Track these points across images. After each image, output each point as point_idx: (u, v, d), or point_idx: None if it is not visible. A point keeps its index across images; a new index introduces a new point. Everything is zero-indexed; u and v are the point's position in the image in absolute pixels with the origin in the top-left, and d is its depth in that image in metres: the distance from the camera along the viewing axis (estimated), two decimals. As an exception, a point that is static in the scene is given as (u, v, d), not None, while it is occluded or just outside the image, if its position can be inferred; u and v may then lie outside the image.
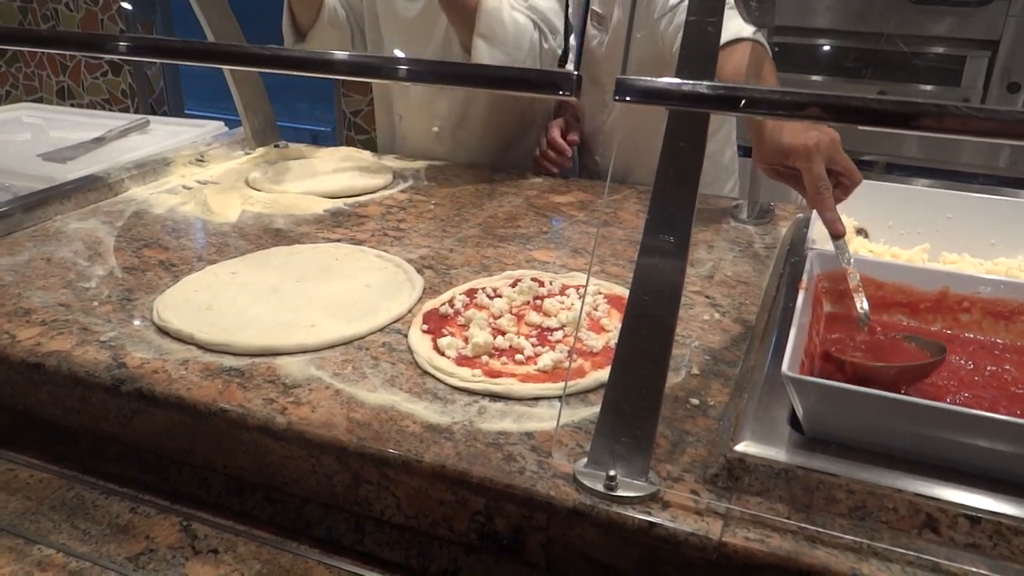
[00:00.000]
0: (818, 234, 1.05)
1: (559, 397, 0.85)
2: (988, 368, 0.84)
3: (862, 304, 0.90)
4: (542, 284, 1.09)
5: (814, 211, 1.02)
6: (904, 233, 1.18)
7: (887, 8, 2.30)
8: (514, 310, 1.03)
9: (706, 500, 0.70)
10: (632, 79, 0.69)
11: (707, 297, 1.09)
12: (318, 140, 3.58)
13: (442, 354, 0.92)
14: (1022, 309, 0.89)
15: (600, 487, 0.70)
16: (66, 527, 0.85)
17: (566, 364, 0.89)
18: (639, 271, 0.75)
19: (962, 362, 0.86)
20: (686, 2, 0.82)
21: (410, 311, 1.04)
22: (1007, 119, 0.60)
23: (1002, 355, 0.88)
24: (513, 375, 0.88)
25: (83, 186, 1.44)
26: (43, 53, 3.81)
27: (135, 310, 1.04)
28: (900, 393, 0.76)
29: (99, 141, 1.70)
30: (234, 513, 0.87)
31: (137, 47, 0.93)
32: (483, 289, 1.07)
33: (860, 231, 1.19)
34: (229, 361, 0.92)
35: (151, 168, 1.56)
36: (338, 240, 1.28)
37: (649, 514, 0.69)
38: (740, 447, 0.72)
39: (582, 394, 0.86)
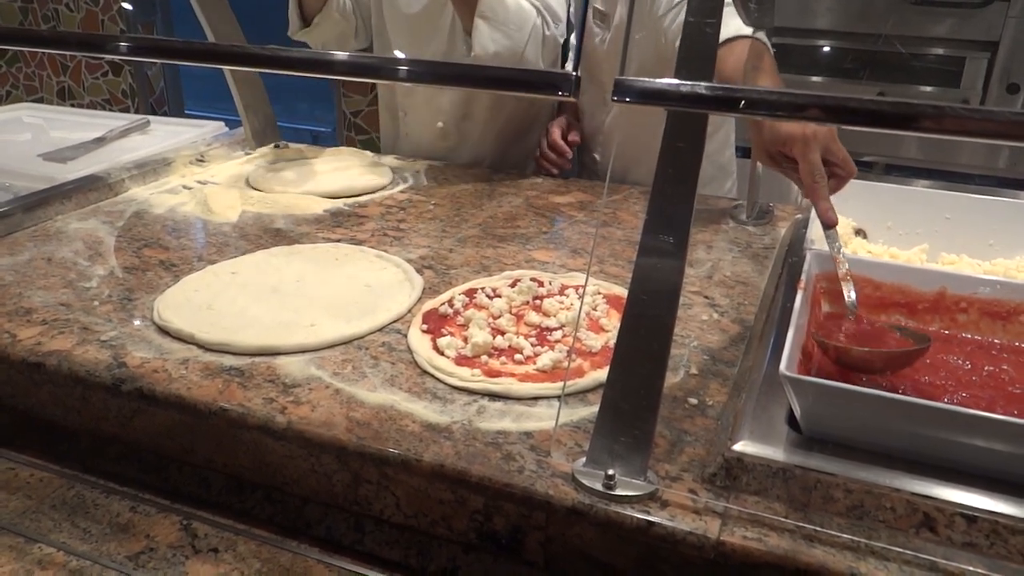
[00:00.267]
0: (816, 234, 1.05)
1: (558, 397, 0.85)
2: (986, 368, 0.85)
3: (849, 293, 0.91)
4: (541, 284, 1.09)
5: (812, 212, 1.03)
6: (903, 234, 1.19)
7: (886, 9, 2.30)
8: (513, 310, 1.03)
9: (704, 499, 0.70)
10: (631, 80, 0.69)
11: (706, 297, 1.09)
12: (318, 140, 3.58)
13: (441, 354, 0.92)
14: (1019, 309, 0.89)
15: (599, 486, 0.71)
16: (66, 526, 0.85)
17: (565, 364, 0.90)
18: (638, 271, 0.75)
19: (960, 362, 0.86)
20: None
21: (410, 311, 1.04)
22: (1003, 120, 0.60)
23: (999, 355, 0.88)
24: (512, 375, 0.88)
25: (83, 186, 1.44)
26: (44, 53, 3.81)
27: (135, 310, 1.04)
28: (883, 380, 0.76)
29: (100, 141, 1.70)
30: (234, 512, 0.87)
31: (137, 47, 0.93)
32: (482, 289, 1.08)
33: (859, 232, 1.19)
34: (229, 361, 0.92)
35: (151, 168, 1.57)
36: (338, 240, 1.29)
37: (647, 513, 0.69)
38: (738, 446, 0.72)
39: (581, 394, 0.87)
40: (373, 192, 1.53)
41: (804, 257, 0.97)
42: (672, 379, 0.89)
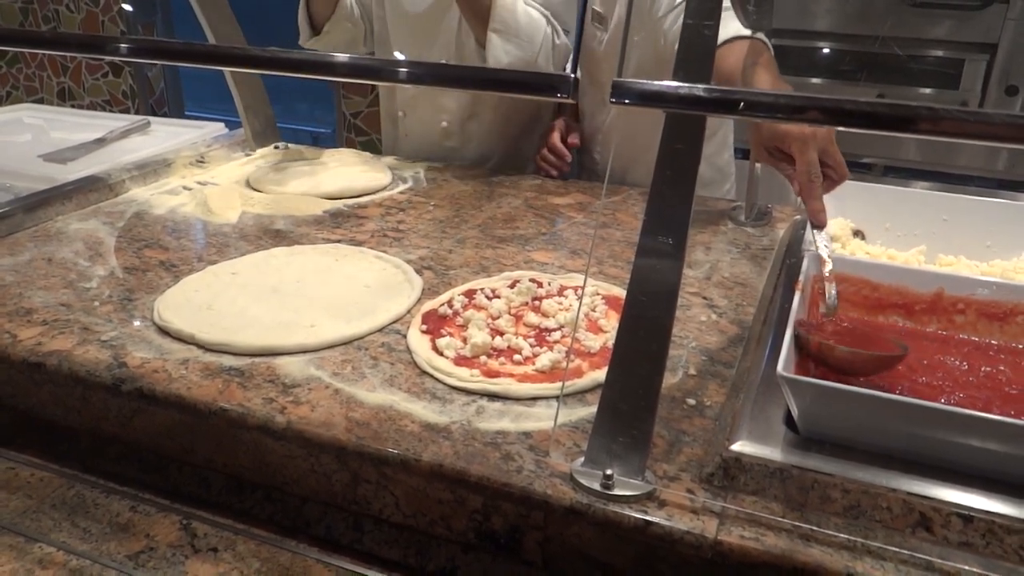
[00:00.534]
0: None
1: (557, 397, 0.85)
2: (983, 369, 0.85)
3: (830, 293, 0.91)
4: (540, 285, 1.09)
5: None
6: (901, 235, 1.19)
7: (885, 11, 2.30)
8: (512, 311, 1.03)
9: (702, 499, 0.71)
10: (629, 81, 0.69)
11: (704, 298, 1.10)
12: (318, 141, 3.58)
13: (441, 354, 0.92)
14: (1016, 311, 0.89)
15: (597, 486, 0.71)
16: (66, 525, 0.85)
17: (564, 364, 0.90)
18: (636, 272, 0.76)
19: (957, 363, 0.86)
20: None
21: (409, 311, 1.05)
22: (1000, 122, 0.60)
23: (996, 356, 0.88)
24: (511, 375, 0.89)
25: (84, 187, 1.44)
26: (44, 54, 3.81)
27: (136, 310, 1.05)
28: (859, 380, 0.77)
29: (100, 142, 1.71)
30: (234, 512, 0.88)
31: (138, 48, 0.93)
32: (482, 290, 1.08)
33: (857, 233, 1.19)
34: (229, 361, 0.92)
35: (152, 169, 1.57)
36: (338, 241, 1.29)
37: (645, 513, 0.69)
38: (736, 447, 0.72)
39: (580, 394, 0.87)
40: (373, 193, 1.53)
41: (802, 258, 0.97)
42: (670, 379, 0.89)
